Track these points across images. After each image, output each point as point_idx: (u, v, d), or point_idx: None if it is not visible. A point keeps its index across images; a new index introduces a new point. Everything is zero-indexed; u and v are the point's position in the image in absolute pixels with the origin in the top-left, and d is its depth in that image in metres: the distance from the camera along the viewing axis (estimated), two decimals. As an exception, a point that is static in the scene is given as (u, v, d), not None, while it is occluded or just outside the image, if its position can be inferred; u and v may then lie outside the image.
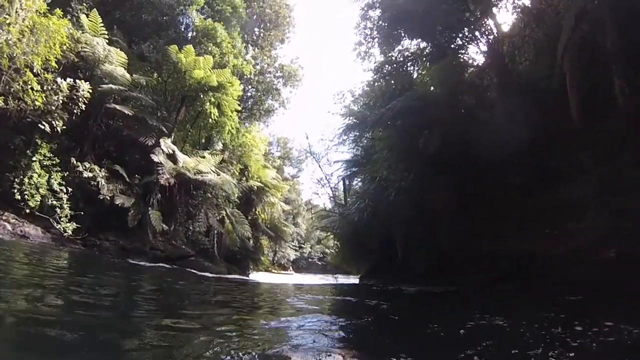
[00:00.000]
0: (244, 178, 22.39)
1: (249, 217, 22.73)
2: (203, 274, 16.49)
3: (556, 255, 7.48)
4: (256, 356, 3.55)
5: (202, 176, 17.76)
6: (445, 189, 10.83)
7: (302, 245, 57.29)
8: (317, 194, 26.57)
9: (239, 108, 21.15)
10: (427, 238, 11.46)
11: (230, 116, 20.65)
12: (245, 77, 25.44)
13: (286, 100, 29.06)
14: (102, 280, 8.37)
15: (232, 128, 20.86)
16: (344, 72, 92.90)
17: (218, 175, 18.56)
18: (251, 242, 23.16)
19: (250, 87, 26.27)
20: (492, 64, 12.30)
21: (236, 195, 19.80)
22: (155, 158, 16.14)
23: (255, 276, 24.37)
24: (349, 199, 21.12)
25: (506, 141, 9.39)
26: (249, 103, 26.09)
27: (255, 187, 22.12)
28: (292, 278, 31.54)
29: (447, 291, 9.89)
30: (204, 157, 17.80)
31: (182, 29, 23.60)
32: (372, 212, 13.91)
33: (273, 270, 43.42)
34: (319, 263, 57.70)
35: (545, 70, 10.25)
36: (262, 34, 30.46)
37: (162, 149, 16.56)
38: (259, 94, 26.57)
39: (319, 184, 25.90)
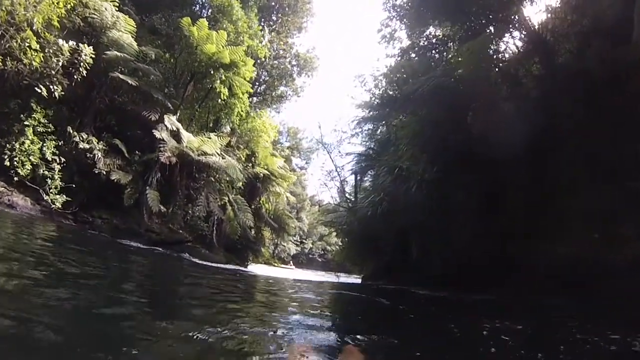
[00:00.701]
0: (250, 164, 21.39)
1: (252, 206, 21.75)
2: (199, 261, 15.56)
3: (613, 264, 6.36)
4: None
5: (206, 158, 16.82)
6: (472, 184, 9.76)
7: (304, 241, 57.36)
8: (326, 185, 25.22)
9: (251, 90, 20.16)
10: (448, 238, 10.38)
11: (241, 98, 19.69)
12: (260, 60, 24.46)
13: (300, 89, 28.08)
14: (85, 259, 7.46)
15: (242, 111, 19.90)
16: (359, 65, 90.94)
17: (223, 158, 17.60)
18: (253, 232, 22.20)
19: (263, 71, 25.24)
20: (530, 53, 11.14)
21: (241, 181, 18.82)
22: (157, 134, 15.22)
23: (255, 268, 23.42)
24: (359, 194, 20.01)
25: (546, 134, 8.33)
26: (262, 88, 25.07)
27: (262, 175, 21.13)
28: (293, 273, 30.52)
29: (476, 299, 8.76)
30: (209, 138, 16.76)
31: (197, 9, 22.71)
32: (388, 207, 12.86)
33: (273, 263, 42.67)
34: (319, 260, 57.56)
35: (594, 61, 9.10)
36: (280, 20, 29.44)
37: (166, 125, 15.65)
38: (272, 79, 25.53)
39: (328, 176, 24.77)
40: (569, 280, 6.88)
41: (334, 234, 64.92)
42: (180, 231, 16.86)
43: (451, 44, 13.24)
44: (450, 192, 10.28)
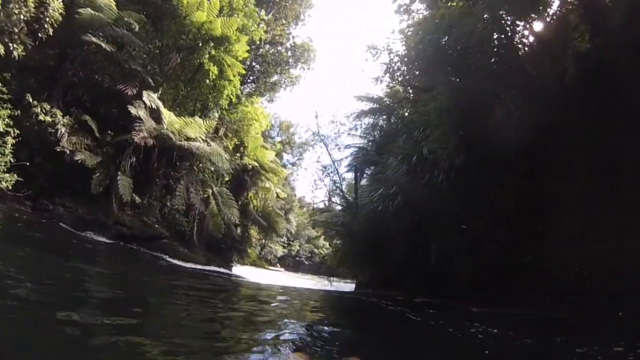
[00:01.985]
0: (238, 155, 19.48)
1: (239, 202, 19.87)
2: (175, 261, 13.66)
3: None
4: None
5: (188, 143, 14.89)
6: (511, 178, 8.11)
7: (292, 243, 55.86)
8: (322, 181, 22.95)
9: (243, 71, 18.31)
10: (478, 240, 8.68)
11: (232, 80, 17.81)
12: (255, 45, 22.59)
13: (295, 79, 26.27)
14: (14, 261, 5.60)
15: (232, 94, 17.99)
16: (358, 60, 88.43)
17: (208, 145, 15.70)
18: (239, 230, 20.30)
19: (258, 57, 23.33)
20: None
21: (227, 172, 16.95)
22: (133, 111, 13.31)
23: (240, 270, 21.54)
24: (359, 191, 18.21)
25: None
26: (255, 73, 23.14)
27: (250, 167, 19.22)
28: (281, 277, 28.53)
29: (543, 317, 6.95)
30: (193, 120, 14.87)
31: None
32: (401, 203, 11.10)
33: (261, 265, 40.82)
34: (307, 263, 56.73)
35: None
36: (278, 6, 27.62)
37: (144, 102, 13.71)
38: (267, 65, 23.60)
39: (323, 171, 22.91)
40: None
41: (323, 237, 64.19)
42: (156, 226, 14.95)
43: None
44: (485, 185, 8.56)
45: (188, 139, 15.10)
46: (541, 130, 7.51)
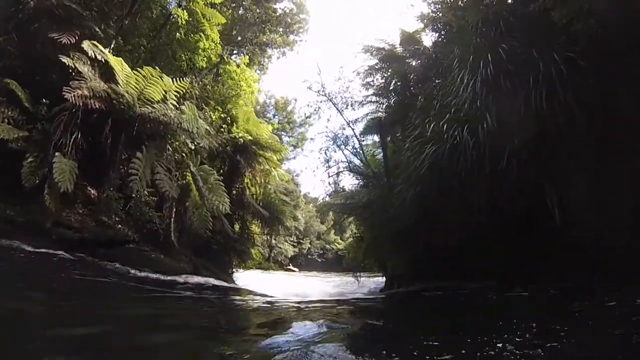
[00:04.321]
0: (225, 125, 15.52)
1: (234, 191, 16.04)
2: (146, 274, 9.95)
3: None
4: None
5: (154, 109, 11.11)
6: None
7: (301, 241, 54.08)
8: (333, 150, 18.60)
9: (223, 20, 14.44)
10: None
11: (209, 35, 13.97)
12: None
13: (290, 43, 22.28)
14: None
15: (211, 50, 14.14)
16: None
17: (182, 114, 11.88)
18: (236, 226, 16.44)
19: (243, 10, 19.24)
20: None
21: (213, 146, 13.11)
22: (68, 62, 9.53)
23: (244, 278, 17.86)
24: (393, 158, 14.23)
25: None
26: (241, 30, 19.04)
27: (242, 142, 15.24)
28: (302, 282, 24.68)
29: None
30: (159, 78, 11.09)
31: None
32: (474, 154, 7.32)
33: (271, 268, 37.49)
34: (319, 260, 54.51)
35: None
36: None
37: (87, 51, 9.95)
38: (254, 19, 19.47)
39: (333, 142, 18.88)
40: None
41: (333, 231, 60.57)
42: (119, 226, 11.12)
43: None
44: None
45: (151, 102, 11.33)
46: None
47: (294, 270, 44.29)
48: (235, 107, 16.18)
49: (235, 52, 19.18)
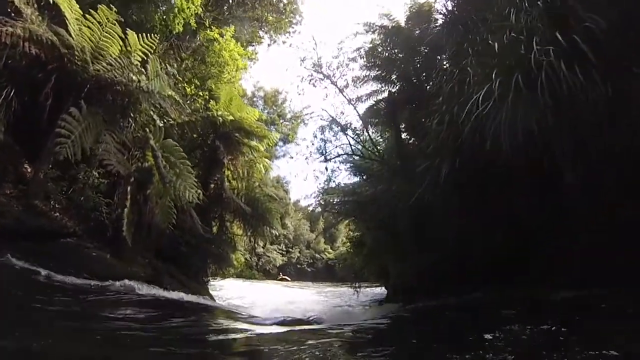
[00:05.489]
0: (201, 100, 13.03)
1: (212, 184, 13.60)
2: (85, 281, 7.52)
3: None
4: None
5: (110, 70, 8.77)
6: None
7: (290, 250, 52.62)
8: (331, 134, 15.71)
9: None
10: None
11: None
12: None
13: (283, 24, 19.91)
14: None
15: (189, 13, 11.80)
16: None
17: (147, 79, 9.51)
18: (215, 226, 13.95)
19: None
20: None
21: (176, 115, 10.66)
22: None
23: (225, 288, 15.33)
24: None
25: None
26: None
27: (221, 122, 12.71)
28: (296, 294, 22.03)
29: None
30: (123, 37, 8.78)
31: None
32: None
33: (256, 277, 35.17)
34: (309, 270, 52.77)
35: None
36: None
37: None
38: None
39: (329, 126, 16.32)
40: None
41: (323, 240, 58.17)
42: (56, 214, 8.64)
43: None
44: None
45: (103, 57, 9.02)
46: None
47: (287, 280, 41.73)
48: (217, 84, 13.75)
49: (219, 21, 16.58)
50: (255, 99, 28.54)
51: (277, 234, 43.01)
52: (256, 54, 22.88)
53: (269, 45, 23.01)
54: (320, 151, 16.58)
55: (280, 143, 27.85)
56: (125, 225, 8.83)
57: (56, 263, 7.59)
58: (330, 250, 55.52)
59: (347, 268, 21.91)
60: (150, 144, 9.15)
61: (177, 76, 11.64)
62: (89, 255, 8.46)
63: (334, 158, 16.36)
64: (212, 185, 13.57)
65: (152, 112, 9.88)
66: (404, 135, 12.97)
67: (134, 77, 9.46)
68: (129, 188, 9.27)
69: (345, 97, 15.08)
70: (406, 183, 9.27)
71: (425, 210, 8.07)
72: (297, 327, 7.55)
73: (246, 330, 6.73)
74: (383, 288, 17.54)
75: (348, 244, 22.12)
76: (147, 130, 9.99)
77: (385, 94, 13.26)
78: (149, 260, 10.06)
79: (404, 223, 9.52)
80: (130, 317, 6.09)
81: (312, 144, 17.65)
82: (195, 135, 13.16)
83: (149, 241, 9.98)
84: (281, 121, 26.54)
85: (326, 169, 16.73)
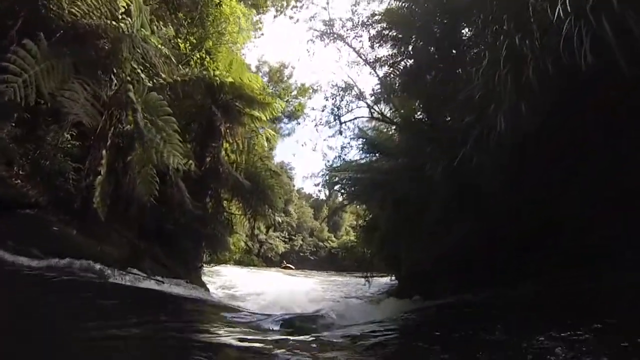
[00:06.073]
0: (195, 57, 11.41)
1: (209, 157, 12.07)
2: (38, 262, 6.08)
3: None
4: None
5: (84, 11, 7.31)
6: None
7: (293, 237, 51.92)
8: (343, 102, 13.69)
9: None
10: None
11: None
12: None
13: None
14: None
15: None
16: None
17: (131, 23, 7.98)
18: (209, 202, 12.44)
19: None
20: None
21: (164, 70, 9.08)
22: None
23: (223, 276, 13.96)
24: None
25: None
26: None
27: (219, 83, 11.12)
28: (304, 284, 20.48)
29: None
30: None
31: None
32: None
33: (257, 264, 34.21)
34: (312, 258, 51.50)
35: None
36: None
37: None
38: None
39: (341, 96, 14.51)
40: None
41: (327, 228, 56.74)
42: (17, 181, 7.19)
43: None
44: None
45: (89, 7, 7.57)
46: None
47: (291, 268, 40.44)
48: (215, 43, 12.10)
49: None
50: (259, 74, 26.81)
51: (280, 220, 41.71)
52: (261, 23, 21.35)
53: (274, 16, 21.54)
54: (334, 114, 14.81)
55: (285, 120, 26.12)
56: (97, 195, 7.35)
57: (6, 238, 6.18)
58: (334, 239, 54.69)
59: (351, 257, 20.47)
60: (129, 96, 7.58)
61: (170, 31, 10.03)
62: (49, 229, 7.00)
63: (348, 122, 14.68)
64: (208, 158, 12.02)
65: (135, 65, 8.33)
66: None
67: (115, 24, 7.97)
68: (104, 152, 7.77)
69: (362, 57, 13.43)
70: (438, 146, 7.65)
71: (468, 176, 6.51)
72: (300, 337, 5.86)
73: (234, 337, 5.18)
74: (392, 278, 16.15)
75: (359, 228, 20.59)
76: (131, 77, 8.43)
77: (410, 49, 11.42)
78: (128, 240, 8.58)
79: (439, 193, 7.87)
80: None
81: (323, 111, 15.65)
82: (189, 103, 11.56)
83: (128, 217, 8.48)
84: (286, 98, 24.81)
85: (340, 132, 15.03)
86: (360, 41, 13.83)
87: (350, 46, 13.64)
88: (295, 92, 26.61)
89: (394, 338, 6.34)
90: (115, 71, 8.87)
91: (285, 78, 27.98)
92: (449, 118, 8.76)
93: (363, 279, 15.47)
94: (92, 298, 5.38)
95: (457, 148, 6.37)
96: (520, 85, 4.78)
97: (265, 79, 25.60)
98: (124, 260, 7.79)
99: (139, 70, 8.98)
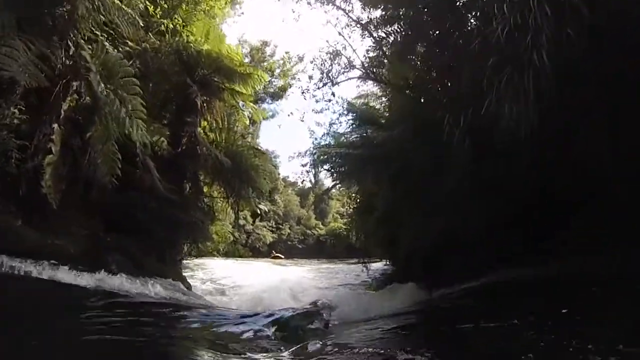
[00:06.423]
0: (168, 23, 10.03)
1: (185, 135, 10.79)
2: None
3: None
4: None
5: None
6: None
7: (281, 226, 50.55)
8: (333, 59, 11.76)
9: None
10: None
11: None
12: None
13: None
14: None
15: None
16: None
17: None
18: (186, 186, 11.16)
19: None
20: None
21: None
22: None
23: (207, 268, 12.86)
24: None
25: None
26: None
27: (195, 53, 9.85)
28: (290, 274, 19.17)
29: None
30: None
31: None
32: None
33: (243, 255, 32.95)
34: (300, 246, 50.92)
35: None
36: None
37: None
38: None
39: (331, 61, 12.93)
40: None
41: (314, 216, 55.76)
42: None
43: None
44: None
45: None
46: None
47: (280, 258, 39.22)
48: (190, 11, 10.74)
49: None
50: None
51: (267, 209, 40.40)
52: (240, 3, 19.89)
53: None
54: (324, 75, 13.22)
55: (269, 100, 24.80)
56: (47, 178, 6.12)
57: None
58: (322, 226, 54.02)
59: (340, 244, 19.50)
60: (84, 58, 6.30)
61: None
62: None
63: (342, 82, 13.21)
64: (184, 137, 10.75)
65: (94, 26, 7.04)
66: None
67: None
68: (56, 126, 6.51)
69: (353, 19, 12.06)
70: (456, 102, 6.52)
71: (491, 138, 5.44)
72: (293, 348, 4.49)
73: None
74: (387, 263, 15.25)
75: (350, 212, 19.54)
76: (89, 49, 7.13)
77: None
78: (90, 231, 7.33)
79: (457, 160, 6.75)
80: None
81: (311, 78, 14.11)
82: (161, 76, 10.24)
83: (89, 204, 7.25)
84: (270, 79, 23.31)
85: (333, 94, 13.60)
86: (349, 3, 12.46)
87: (340, 8, 12.26)
88: (279, 70, 25.15)
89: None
90: (70, 34, 7.58)
91: (268, 56, 26.51)
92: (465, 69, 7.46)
93: (354, 266, 14.54)
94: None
95: (480, 99, 5.24)
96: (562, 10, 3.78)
97: (247, 60, 24.13)
98: (81, 255, 6.56)
99: (99, 32, 7.69)
